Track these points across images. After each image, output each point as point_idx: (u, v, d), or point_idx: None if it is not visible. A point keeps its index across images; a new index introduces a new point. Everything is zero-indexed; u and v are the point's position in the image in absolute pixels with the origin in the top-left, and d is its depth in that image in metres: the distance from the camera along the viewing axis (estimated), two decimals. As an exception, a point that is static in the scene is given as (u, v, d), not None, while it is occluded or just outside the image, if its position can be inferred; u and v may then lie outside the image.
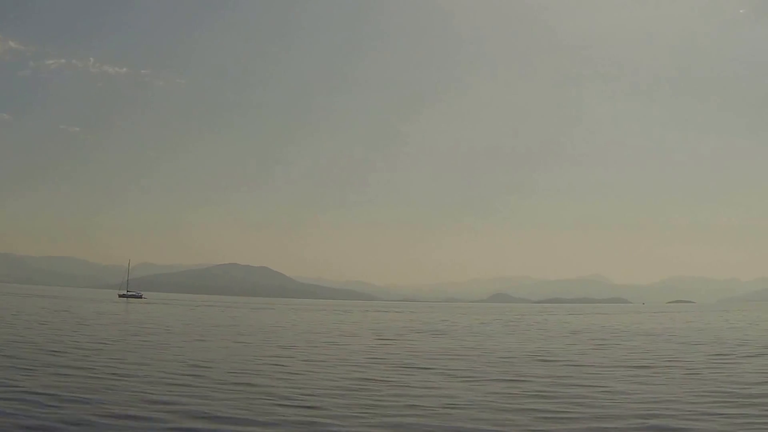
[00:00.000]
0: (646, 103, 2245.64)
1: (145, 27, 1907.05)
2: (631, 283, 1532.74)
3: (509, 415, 17.52)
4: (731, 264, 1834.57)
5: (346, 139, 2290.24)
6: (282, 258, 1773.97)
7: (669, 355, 37.05)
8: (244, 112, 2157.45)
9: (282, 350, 36.74)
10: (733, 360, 33.99)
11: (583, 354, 37.32)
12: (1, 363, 25.67)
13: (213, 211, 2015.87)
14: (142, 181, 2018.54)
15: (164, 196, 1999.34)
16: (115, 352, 31.88)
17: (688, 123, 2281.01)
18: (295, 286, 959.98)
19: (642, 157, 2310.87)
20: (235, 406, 18.01)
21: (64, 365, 25.73)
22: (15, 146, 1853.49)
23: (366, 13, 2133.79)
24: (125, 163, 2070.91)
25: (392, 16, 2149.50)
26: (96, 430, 15.03)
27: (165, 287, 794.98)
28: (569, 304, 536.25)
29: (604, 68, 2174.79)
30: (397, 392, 21.29)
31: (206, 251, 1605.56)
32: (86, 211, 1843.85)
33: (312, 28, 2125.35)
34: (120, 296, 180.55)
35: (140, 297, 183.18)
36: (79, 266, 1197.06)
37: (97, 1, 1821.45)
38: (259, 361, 30.03)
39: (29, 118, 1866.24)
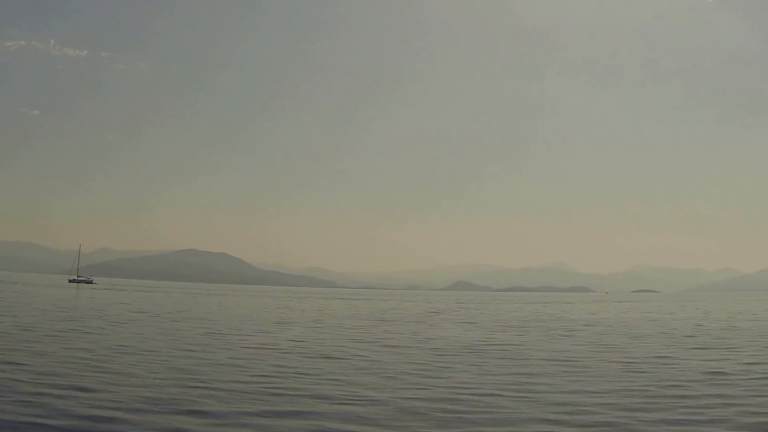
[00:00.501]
0: (611, 92, 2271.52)
1: (106, 10, 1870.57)
2: (596, 272, 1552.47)
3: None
4: (696, 254, 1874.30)
5: (308, 125, 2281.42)
6: (242, 244, 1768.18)
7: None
8: (205, 97, 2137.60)
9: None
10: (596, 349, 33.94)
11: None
12: None
13: (172, 196, 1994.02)
14: (102, 166, 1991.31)
15: (124, 182, 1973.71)
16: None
17: (654, 112, 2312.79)
18: (254, 272, 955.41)
19: (607, 146, 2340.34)
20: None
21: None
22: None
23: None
24: (85, 148, 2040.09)
25: (358, 1, 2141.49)
26: None
27: (123, 273, 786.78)
28: (532, 292, 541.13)
29: (570, 56, 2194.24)
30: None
31: (165, 237, 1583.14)
32: (45, 196, 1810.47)
33: (275, 12, 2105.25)
34: (70, 281, 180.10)
35: (90, 282, 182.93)
36: (37, 251, 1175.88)
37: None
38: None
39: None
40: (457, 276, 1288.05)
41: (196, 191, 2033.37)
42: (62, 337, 31.97)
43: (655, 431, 14.41)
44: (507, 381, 20.98)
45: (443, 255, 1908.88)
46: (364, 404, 16.68)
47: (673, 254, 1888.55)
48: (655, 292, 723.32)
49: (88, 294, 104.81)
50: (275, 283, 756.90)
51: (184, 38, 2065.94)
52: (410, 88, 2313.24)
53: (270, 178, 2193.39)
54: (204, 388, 18.22)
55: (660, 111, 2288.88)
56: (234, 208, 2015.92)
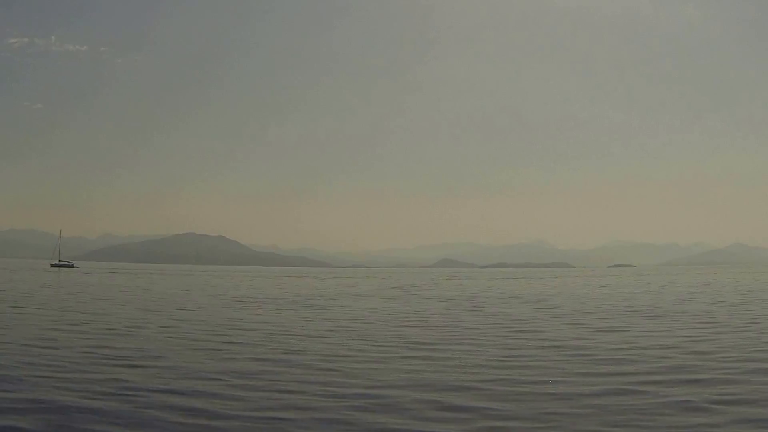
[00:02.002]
0: (585, 78, 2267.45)
1: (105, 5, 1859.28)
2: (574, 248, 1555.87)
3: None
4: (670, 229, 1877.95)
5: (295, 114, 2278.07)
6: (237, 227, 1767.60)
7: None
8: (199, 90, 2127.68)
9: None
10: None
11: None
12: None
13: (170, 182, 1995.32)
14: (103, 155, 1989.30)
15: (124, 170, 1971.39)
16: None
17: (625, 97, 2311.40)
18: (249, 253, 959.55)
19: (583, 127, 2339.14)
20: None
21: None
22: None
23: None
24: (86, 139, 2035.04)
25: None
26: None
27: (125, 257, 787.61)
28: (514, 268, 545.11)
29: (543, 44, 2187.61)
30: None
31: (165, 221, 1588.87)
32: (49, 185, 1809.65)
33: (271, 7, 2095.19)
34: (52, 266, 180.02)
35: (72, 266, 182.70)
36: (41, 238, 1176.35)
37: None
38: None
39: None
40: (443, 254, 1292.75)
41: (194, 178, 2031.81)
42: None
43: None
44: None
45: (429, 234, 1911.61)
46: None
47: (647, 230, 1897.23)
48: (630, 266, 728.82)
49: (63, 276, 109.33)
50: (270, 264, 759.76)
51: (180, 32, 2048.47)
52: (393, 75, 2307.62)
53: (264, 165, 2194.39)
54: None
55: (630, 96, 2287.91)
56: (229, 193, 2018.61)
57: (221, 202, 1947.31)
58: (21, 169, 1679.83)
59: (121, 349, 22.10)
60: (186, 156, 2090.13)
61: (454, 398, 14.88)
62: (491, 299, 56.23)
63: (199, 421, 12.84)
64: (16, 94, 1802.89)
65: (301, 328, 30.54)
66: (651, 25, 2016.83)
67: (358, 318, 36.56)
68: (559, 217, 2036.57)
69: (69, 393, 15.05)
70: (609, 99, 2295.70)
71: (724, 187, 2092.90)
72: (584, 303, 49.58)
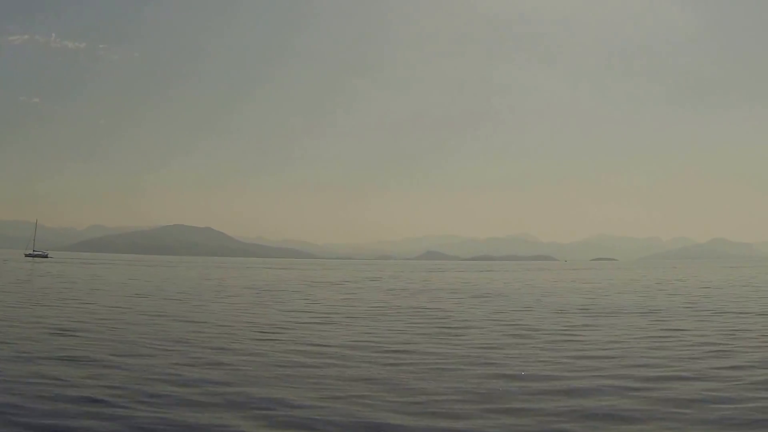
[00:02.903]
0: (567, 73, 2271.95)
1: (103, 3, 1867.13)
2: (557, 241, 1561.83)
3: None
4: (652, 224, 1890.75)
5: (284, 106, 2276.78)
6: (225, 219, 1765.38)
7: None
8: (190, 83, 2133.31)
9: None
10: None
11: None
12: None
13: (160, 176, 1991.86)
14: (94, 148, 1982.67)
15: (115, 162, 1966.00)
16: None
17: (610, 91, 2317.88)
18: (236, 245, 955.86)
19: (567, 122, 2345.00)
20: None
21: None
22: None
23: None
24: (79, 132, 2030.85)
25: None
26: None
27: (114, 248, 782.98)
28: (498, 261, 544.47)
29: (525, 40, 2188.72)
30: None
31: (154, 214, 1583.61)
32: (40, 177, 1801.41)
33: (255, 4, 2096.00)
34: (26, 255, 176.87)
35: (46, 257, 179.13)
36: (29, 229, 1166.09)
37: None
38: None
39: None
40: (427, 246, 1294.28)
41: (182, 169, 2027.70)
42: None
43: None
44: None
45: (414, 227, 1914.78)
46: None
47: (630, 224, 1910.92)
48: (613, 260, 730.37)
49: (30, 266, 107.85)
50: (256, 255, 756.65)
51: (173, 28, 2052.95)
52: (379, 72, 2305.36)
53: (250, 157, 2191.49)
54: None
55: (615, 90, 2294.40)
56: (217, 186, 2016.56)
57: (206, 194, 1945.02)
58: (12, 161, 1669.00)
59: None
60: (173, 148, 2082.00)
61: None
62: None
63: None
64: (14, 89, 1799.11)
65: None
66: (632, 21, 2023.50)
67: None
68: (544, 210, 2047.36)
69: None
70: (592, 94, 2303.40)
71: (706, 183, 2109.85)
72: (500, 302, 47.97)
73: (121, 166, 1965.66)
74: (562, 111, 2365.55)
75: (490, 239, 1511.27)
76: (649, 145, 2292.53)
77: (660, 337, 22.79)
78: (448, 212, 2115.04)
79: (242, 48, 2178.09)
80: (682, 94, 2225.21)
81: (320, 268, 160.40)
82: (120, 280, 69.05)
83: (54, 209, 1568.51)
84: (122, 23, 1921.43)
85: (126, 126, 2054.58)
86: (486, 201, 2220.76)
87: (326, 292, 51.59)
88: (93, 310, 31.94)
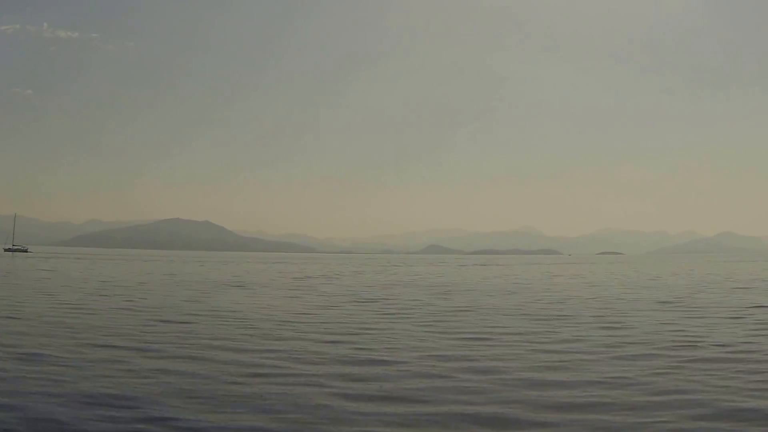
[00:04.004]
0: (574, 65, 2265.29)
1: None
2: (563, 235, 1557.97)
3: None
4: (659, 218, 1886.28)
5: (284, 100, 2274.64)
6: (223, 213, 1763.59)
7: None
8: (187, 75, 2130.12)
9: None
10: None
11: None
12: None
13: (157, 169, 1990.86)
14: (90, 141, 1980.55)
15: (112, 156, 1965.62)
16: None
17: (616, 83, 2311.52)
18: (235, 239, 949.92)
19: (574, 115, 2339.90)
20: None
21: None
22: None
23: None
24: (74, 124, 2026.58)
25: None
26: None
27: (111, 243, 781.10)
28: (501, 255, 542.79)
29: (528, 31, 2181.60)
30: None
31: (151, 208, 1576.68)
32: (36, 170, 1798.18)
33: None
34: (6, 250, 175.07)
35: (26, 251, 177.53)
36: (26, 224, 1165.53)
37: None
38: None
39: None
40: (430, 240, 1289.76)
41: (181, 164, 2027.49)
42: None
43: None
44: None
45: (417, 221, 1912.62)
46: None
47: (637, 218, 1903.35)
48: (619, 254, 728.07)
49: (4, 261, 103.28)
50: (256, 250, 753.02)
51: (169, 18, 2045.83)
52: (378, 64, 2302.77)
53: (248, 151, 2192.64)
54: None
55: (621, 82, 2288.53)
56: (215, 179, 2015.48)
57: (204, 188, 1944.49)
58: (7, 154, 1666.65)
59: None
60: (171, 142, 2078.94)
61: None
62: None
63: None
64: (6, 80, 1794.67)
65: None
66: (637, 11, 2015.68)
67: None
68: (549, 204, 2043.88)
69: None
70: (598, 87, 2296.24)
71: (714, 176, 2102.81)
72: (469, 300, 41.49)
73: (118, 159, 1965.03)
74: (567, 103, 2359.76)
75: (494, 233, 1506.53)
76: (656, 137, 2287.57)
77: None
78: (452, 206, 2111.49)
79: (239, 39, 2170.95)
80: (689, 86, 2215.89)
81: (307, 262, 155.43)
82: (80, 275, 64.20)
83: (50, 204, 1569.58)
84: (116, 12, 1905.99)
85: (122, 119, 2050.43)
86: (490, 195, 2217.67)
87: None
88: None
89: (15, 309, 27.40)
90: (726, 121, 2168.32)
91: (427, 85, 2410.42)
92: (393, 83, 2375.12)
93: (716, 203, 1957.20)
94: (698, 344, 18.67)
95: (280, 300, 36.20)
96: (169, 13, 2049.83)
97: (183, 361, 15.78)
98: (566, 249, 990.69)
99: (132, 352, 16.85)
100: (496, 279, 66.45)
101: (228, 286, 48.52)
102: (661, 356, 16.76)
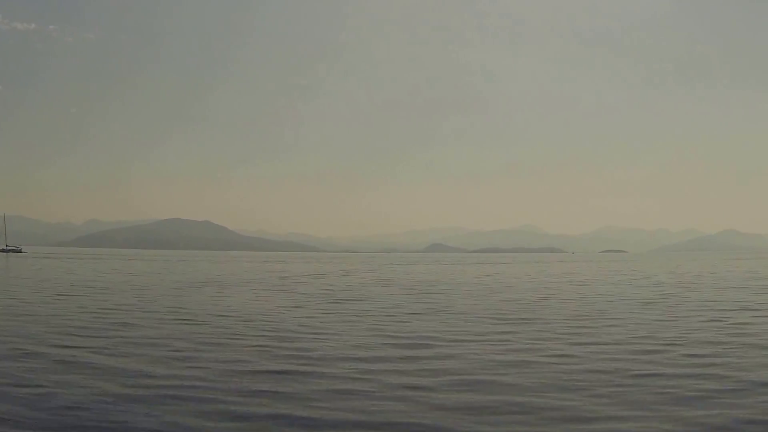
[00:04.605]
0: (578, 65, 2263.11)
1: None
2: (565, 233, 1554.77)
3: None
4: (661, 215, 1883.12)
5: (266, 92, 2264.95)
6: (225, 212, 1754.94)
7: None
8: (154, 68, 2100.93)
9: None
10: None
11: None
12: None
13: (149, 165, 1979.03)
14: (72, 138, 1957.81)
15: (97, 153, 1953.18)
16: None
17: (616, 79, 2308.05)
18: (236, 238, 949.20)
19: (573, 112, 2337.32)
20: None
21: None
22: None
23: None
24: (52, 120, 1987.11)
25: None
26: None
27: (111, 243, 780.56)
28: (503, 253, 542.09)
29: (534, 26, 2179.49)
30: None
31: (150, 207, 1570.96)
32: (25, 169, 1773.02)
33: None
34: (0, 251, 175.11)
35: (20, 251, 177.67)
36: (24, 224, 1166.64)
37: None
38: None
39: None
40: (431, 239, 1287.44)
41: (172, 161, 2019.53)
42: None
43: None
44: None
45: (419, 219, 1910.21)
46: None
47: (639, 216, 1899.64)
48: (623, 252, 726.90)
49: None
50: (258, 249, 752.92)
51: (127, 8, 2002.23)
52: (379, 58, 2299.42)
53: (238, 148, 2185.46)
54: None
55: (621, 78, 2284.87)
56: (211, 177, 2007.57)
57: (206, 186, 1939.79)
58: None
59: None
60: (154, 137, 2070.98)
61: None
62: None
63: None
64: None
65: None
66: (643, 8, 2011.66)
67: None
68: (552, 202, 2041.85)
69: None
70: (597, 81, 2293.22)
71: (716, 173, 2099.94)
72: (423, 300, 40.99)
73: (104, 156, 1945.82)
74: (570, 100, 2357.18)
75: (496, 231, 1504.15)
76: (657, 134, 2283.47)
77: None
78: (454, 204, 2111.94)
79: (209, 26, 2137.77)
80: (691, 80, 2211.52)
81: (302, 262, 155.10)
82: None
83: (47, 203, 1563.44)
84: (71, 3, 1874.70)
85: (98, 114, 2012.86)
86: (492, 193, 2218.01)
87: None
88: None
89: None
90: (729, 118, 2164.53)
91: (428, 82, 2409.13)
92: (392, 80, 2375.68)
93: (719, 201, 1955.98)
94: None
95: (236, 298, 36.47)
96: (127, 3, 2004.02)
97: None
98: (568, 247, 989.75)
99: None
100: (487, 278, 66.14)
101: (202, 285, 48.35)
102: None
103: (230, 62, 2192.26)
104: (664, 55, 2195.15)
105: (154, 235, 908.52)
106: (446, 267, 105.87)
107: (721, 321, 25.58)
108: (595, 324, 24.68)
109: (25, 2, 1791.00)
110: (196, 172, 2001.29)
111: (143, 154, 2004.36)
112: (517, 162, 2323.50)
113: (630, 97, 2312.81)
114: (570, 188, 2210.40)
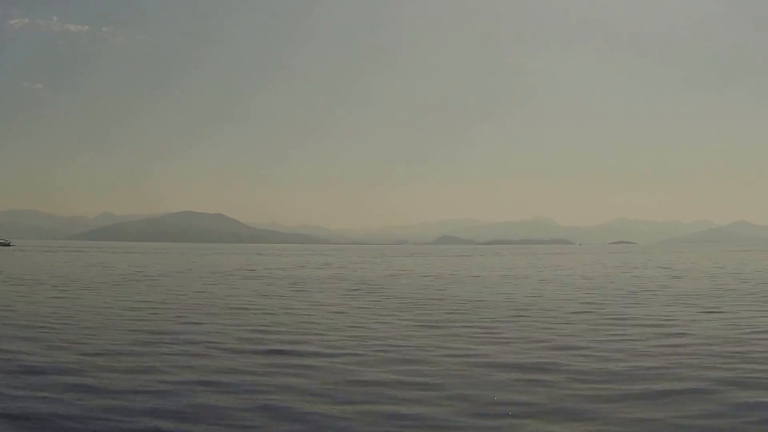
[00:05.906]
0: (583, 59, 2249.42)
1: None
2: (576, 225, 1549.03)
3: None
4: (673, 207, 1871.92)
5: (298, 94, 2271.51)
6: (238, 206, 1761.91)
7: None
8: (200, 68, 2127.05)
9: None
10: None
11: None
12: None
13: (170, 162, 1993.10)
14: (103, 135, 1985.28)
15: (125, 150, 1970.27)
16: None
17: (629, 75, 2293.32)
18: (248, 231, 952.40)
19: (585, 107, 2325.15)
20: None
21: None
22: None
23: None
24: (86, 119, 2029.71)
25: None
26: None
27: (124, 236, 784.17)
28: (514, 245, 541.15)
29: (541, 25, 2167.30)
30: None
31: (164, 201, 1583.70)
32: (49, 165, 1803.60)
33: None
34: None
35: (9, 245, 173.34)
36: (41, 218, 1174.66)
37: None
38: None
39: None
40: (443, 231, 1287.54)
41: (194, 159, 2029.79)
42: None
43: None
44: None
45: (430, 211, 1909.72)
46: None
47: (650, 208, 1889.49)
48: (632, 243, 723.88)
49: None
50: (269, 242, 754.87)
51: (180, 11, 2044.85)
52: (392, 60, 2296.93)
53: (262, 146, 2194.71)
54: None
55: (633, 74, 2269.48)
56: (229, 174, 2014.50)
57: (222, 183, 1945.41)
58: (20, 150, 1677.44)
59: None
60: (184, 136, 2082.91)
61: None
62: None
63: None
64: (16, 74, 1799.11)
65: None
66: (656, 8, 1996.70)
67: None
68: (562, 194, 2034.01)
69: None
70: (610, 77, 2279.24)
71: (727, 165, 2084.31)
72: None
73: (130, 154, 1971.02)
74: (580, 96, 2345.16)
75: (507, 223, 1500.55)
76: (668, 127, 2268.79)
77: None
78: (465, 197, 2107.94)
79: (252, 34, 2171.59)
80: (702, 77, 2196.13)
81: (308, 254, 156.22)
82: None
83: (65, 198, 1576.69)
84: (126, 4, 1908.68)
85: (134, 113, 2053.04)
86: (503, 186, 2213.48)
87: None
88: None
89: None
90: (739, 110, 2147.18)
91: (440, 80, 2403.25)
92: (408, 77, 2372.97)
93: (730, 192, 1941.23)
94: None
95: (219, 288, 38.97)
96: (180, 6, 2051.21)
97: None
98: (579, 239, 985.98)
99: None
100: (476, 270, 66.97)
101: (196, 276, 49.92)
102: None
103: (273, 68, 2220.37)
104: (679, 54, 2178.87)
105: (167, 228, 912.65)
106: (442, 259, 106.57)
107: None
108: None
109: (81, 5, 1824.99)
110: (215, 169, 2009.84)
111: (167, 153, 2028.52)
112: (530, 156, 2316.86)
113: (642, 93, 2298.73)
114: (582, 181, 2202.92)
